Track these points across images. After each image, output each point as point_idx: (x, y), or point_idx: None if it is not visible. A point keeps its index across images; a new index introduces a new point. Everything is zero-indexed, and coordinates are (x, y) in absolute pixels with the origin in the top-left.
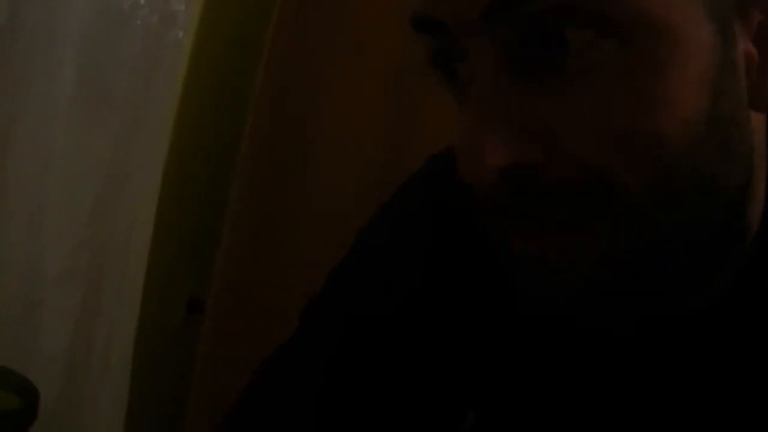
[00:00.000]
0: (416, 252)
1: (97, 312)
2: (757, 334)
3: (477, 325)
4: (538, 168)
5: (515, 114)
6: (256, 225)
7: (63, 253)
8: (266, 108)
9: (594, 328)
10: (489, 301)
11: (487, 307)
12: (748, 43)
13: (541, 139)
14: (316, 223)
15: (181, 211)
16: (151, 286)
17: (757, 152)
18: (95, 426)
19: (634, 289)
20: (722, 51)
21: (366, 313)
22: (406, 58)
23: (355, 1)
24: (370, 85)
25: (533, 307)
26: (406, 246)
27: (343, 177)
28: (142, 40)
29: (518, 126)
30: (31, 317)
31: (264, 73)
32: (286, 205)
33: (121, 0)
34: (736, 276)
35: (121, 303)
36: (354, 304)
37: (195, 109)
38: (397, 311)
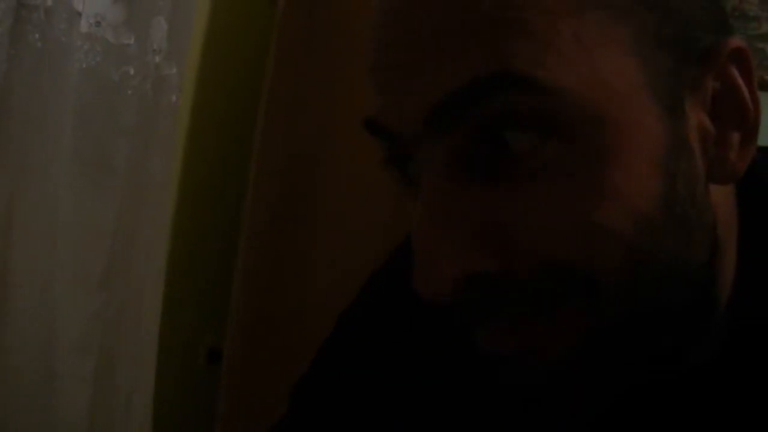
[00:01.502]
0: (390, 343)
1: (114, 376)
2: (741, 392)
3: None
4: (495, 272)
5: (465, 218)
6: (266, 271)
7: (76, 322)
8: (270, 158)
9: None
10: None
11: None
12: (701, 115)
13: (494, 242)
14: (325, 269)
15: (192, 266)
16: (168, 342)
17: (721, 225)
18: None
19: (610, 366)
20: (672, 131)
21: (351, 391)
22: None
23: (351, 46)
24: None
25: (510, 393)
26: (379, 339)
27: (352, 224)
28: (137, 107)
29: (469, 231)
30: (48, 388)
31: (264, 122)
32: (295, 251)
33: (111, 71)
34: (717, 341)
35: (138, 365)
36: (340, 383)
37: (197, 167)
38: (381, 389)
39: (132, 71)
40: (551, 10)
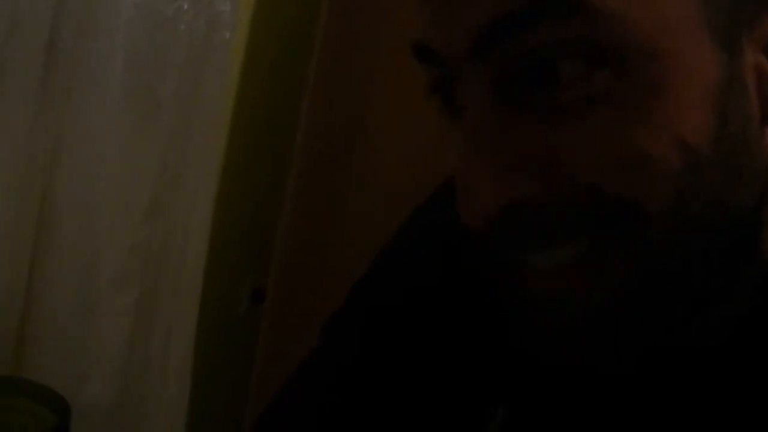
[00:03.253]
0: (433, 266)
1: (154, 312)
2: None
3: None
4: (540, 199)
5: (510, 146)
6: (313, 211)
7: (119, 255)
8: (320, 100)
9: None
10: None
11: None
12: (758, 55)
13: (540, 169)
14: (369, 209)
15: (239, 205)
16: (212, 280)
17: None
18: (156, 426)
19: (651, 313)
20: (726, 67)
21: (388, 320)
22: None
23: None
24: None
25: (548, 342)
26: (421, 267)
27: (395, 168)
28: (188, 43)
29: (514, 158)
30: (87, 320)
31: (317, 64)
32: (341, 192)
33: (165, 5)
34: (750, 302)
35: (178, 301)
36: (375, 311)
37: (249, 106)
38: (419, 315)
39: (185, 6)
40: None
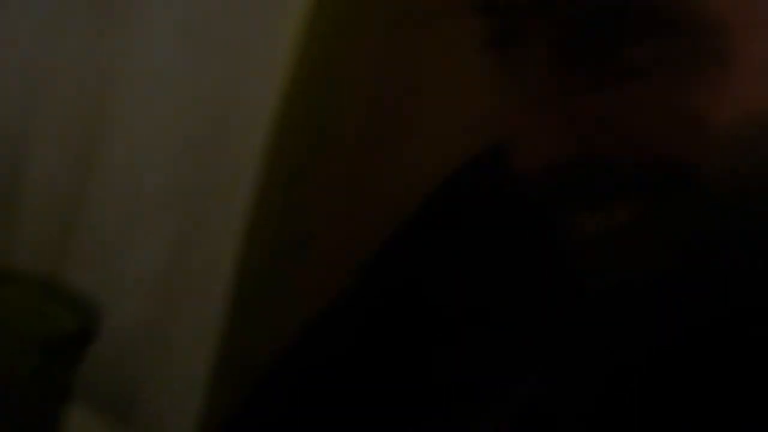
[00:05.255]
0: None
1: (198, 236)
2: None
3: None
4: (592, 158)
5: (564, 105)
6: (363, 153)
7: (167, 175)
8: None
9: None
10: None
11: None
12: None
13: (594, 129)
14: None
15: (293, 137)
16: (258, 216)
17: None
18: (186, 346)
19: (704, 284)
20: None
21: (419, 273)
22: None
23: None
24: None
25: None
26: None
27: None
28: None
29: (568, 117)
30: (128, 233)
31: None
32: (391, 141)
33: None
34: None
35: (224, 228)
36: (407, 265)
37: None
38: (451, 273)
39: None
40: None
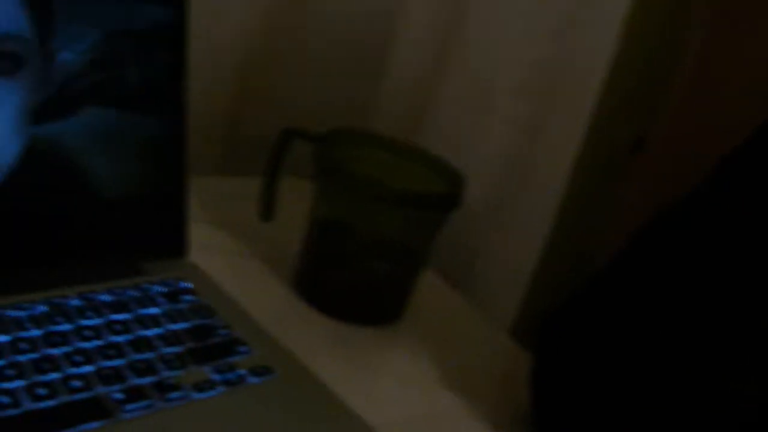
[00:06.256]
0: None
1: (542, 127)
2: None
3: None
4: None
5: None
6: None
7: (520, 67)
8: None
9: None
10: None
11: None
12: None
13: None
14: None
15: (641, 49)
16: (600, 117)
17: None
18: (521, 226)
19: None
20: None
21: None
22: None
23: None
24: None
25: None
26: None
27: None
28: None
29: None
30: (480, 122)
31: None
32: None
33: None
34: None
35: (568, 124)
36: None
37: None
38: None
39: None
40: None
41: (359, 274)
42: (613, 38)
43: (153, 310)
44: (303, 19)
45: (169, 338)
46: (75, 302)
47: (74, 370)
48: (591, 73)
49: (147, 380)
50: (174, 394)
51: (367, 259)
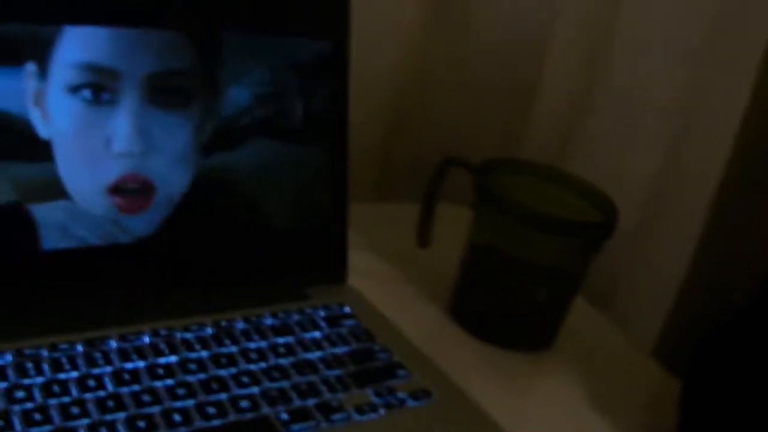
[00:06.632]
0: None
1: (689, 144)
2: None
3: None
4: None
5: None
6: None
7: (666, 86)
8: None
9: None
10: None
11: None
12: None
13: None
14: None
15: None
16: (746, 133)
17: None
18: (666, 248)
19: None
20: None
21: None
22: None
23: None
24: None
25: None
26: None
27: None
28: None
29: None
30: (628, 141)
31: None
32: None
33: None
34: None
35: (713, 139)
36: None
37: None
38: None
39: None
40: None
41: (515, 299)
42: (759, 55)
43: (315, 334)
44: (458, 49)
45: (331, 361)
46: (240, 325)
47: (241, 391)
48: (731, 94)
49: (310, 402)
50: (337, 416)
51: (523, 285)
